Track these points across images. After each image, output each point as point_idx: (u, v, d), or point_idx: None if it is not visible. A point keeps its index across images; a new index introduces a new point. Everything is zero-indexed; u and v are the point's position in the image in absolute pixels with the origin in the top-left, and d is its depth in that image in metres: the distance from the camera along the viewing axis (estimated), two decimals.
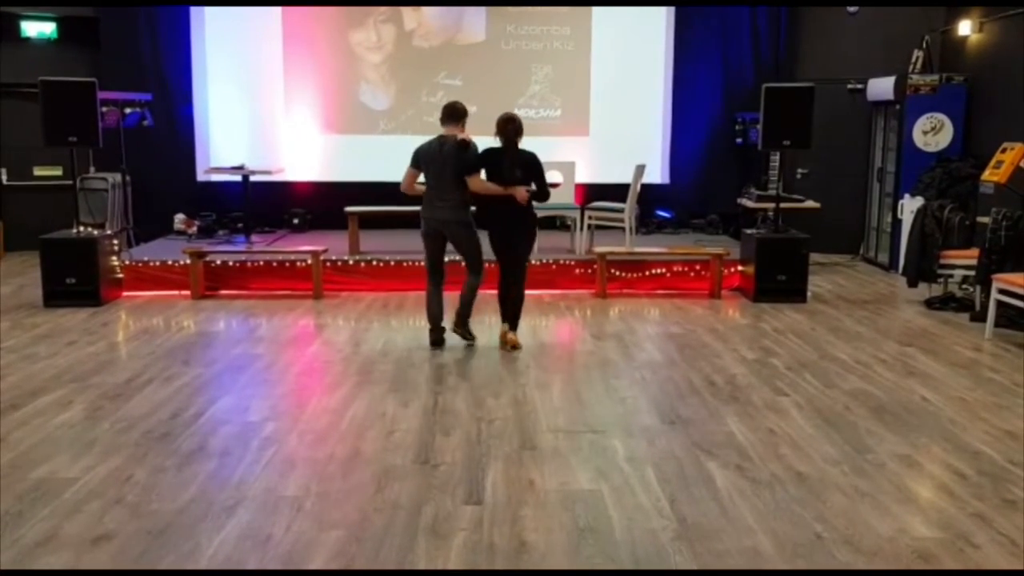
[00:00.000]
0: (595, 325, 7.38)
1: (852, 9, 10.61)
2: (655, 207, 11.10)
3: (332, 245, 8.93)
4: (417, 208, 9.71)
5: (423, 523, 3.69)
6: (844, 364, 6.19)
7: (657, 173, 11.01)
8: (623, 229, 9.16)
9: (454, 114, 6.45)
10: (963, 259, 7.87)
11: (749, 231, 8.87)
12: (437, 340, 6.59)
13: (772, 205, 9.01)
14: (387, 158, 10.84)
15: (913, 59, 10.01)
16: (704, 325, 7.37)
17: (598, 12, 10.95)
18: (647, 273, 8.73)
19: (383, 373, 5.90)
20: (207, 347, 6.66)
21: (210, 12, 10.81)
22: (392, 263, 8.75)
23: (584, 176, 10.18)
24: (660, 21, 11.02)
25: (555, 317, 7.60)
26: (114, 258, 8.34)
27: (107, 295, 8.07)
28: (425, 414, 5.08)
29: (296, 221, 10.78)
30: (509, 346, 6.45)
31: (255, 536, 3.57)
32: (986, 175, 7.99)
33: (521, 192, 6.22)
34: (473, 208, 6.49)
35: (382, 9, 10.90)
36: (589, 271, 8.69)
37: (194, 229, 10.36)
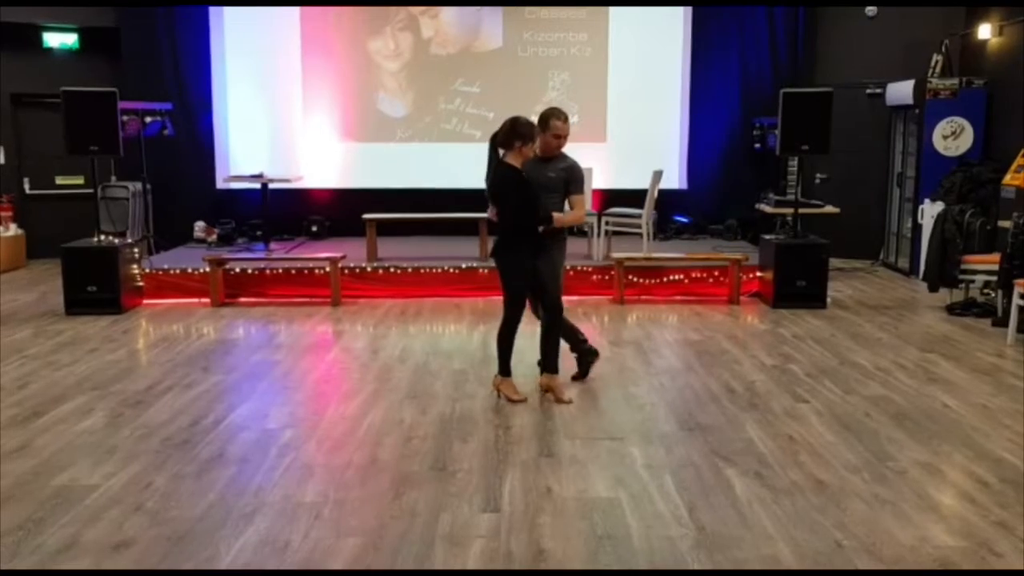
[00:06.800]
0: (613, 331, 7.36)
1: (871, 12, 10.55)
2: (673, 213, 11.07)
3: (350, 252, 8.96)
4: (435, 215, 9.88)
5: (440, 530, 3.69)
6: (864, 370, 6.14)
7: (675, 178, 10.98)
8: (641, 235, 9.14)
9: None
10: (984, 264, 7.79)
11: (768, 236, 8.83)
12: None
13: (791, 210, 8.97)
14: (405, 166, 10.98)
15: (932, 63, 9.93)
16: (723, 331, 7.33)
17: (615, 18, 10.95)
18: (665, 279, 8.70)
19: (401, 380, 5.91)
20: (226, 354, 6.70)
21: (229, 23, 10.90)
22: (410, 270, 8.77)
23: (601, 182, 10.16)
24: (677, 26, 11.01)
25: (573, 323, 7.56)
26: (135, 266, 8.41)
27: (128, 303, 8.14)
28: (442, 421, 5.08)
29: (314, 228, 10.82)
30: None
31: (273, 543, 3.58)
32: (1007, 179, 7.92)
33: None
34: None
35: (400, 17, 10.95)
36: (607, 277, 8.67)
37: (214, 237, 10.43)
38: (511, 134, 5.23)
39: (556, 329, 5.54)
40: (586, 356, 5.90)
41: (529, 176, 5.30)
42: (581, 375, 5.87)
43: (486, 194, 5.44)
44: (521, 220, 5.29)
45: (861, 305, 8.38)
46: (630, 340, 7.03)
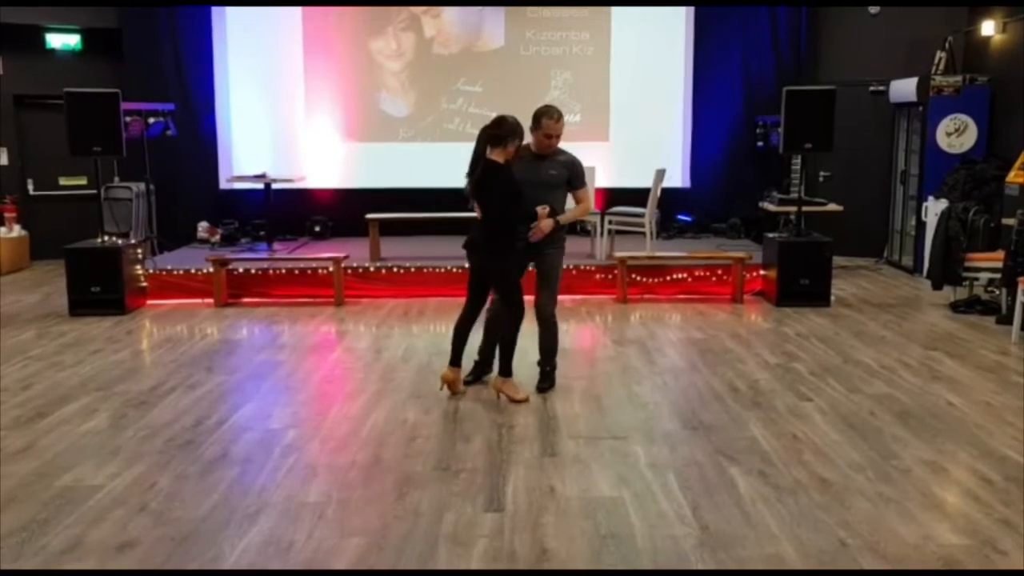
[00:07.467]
0: (616, 331, 7.36)
1: (873, 10, 10.54)
2: (676, 211, 11.06)
3: (353, 252, 8.97)
4: (437, 215, 9.86)
5: (444, 530, 3.69)
6: (868, 368, 6.13)
7: (678, 177, 10.97)
8: (644, 234, 9.14)
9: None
10: (988, 262, 7.78)
11: (771, 235, 8.81)
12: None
13: (794, 208, 8.95)
14: (407, 165, 10.98)
15: (936, 60, 9.91)
16: (726, 330, 7.32)
17: (617, 17, 10.95)
18: (668, 278, 8.68)
19: (404, 380, 5.91)
20: (230, 354, 6.71)
21: (231, 23, 10.91)
22: (413, 269, 8.77)
23: (604, 181, 10.16)
24: (680, 25, 11.00)
25: (576, 323, 7.58)
26: (138, 267, 8.42)
27: (131, 303, 8.14)
28: (446, 421, 5.08)
29: (317, 228, 10.84)
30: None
31: (277, 543, 3.58)
32: (1011, 176, 7.90)
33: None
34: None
35: (402, 17, 10.96)
36: (610, 276, 8.66)
37: (217, 237, 10.45)
38: (498, 132, 5.18)
39: (511, 330, 5.38)
40: (479, 368, 5.74)
41: (525, 175, 5.26)
42: (473, 377, 5.70)
43: (466, 191, 5.40)
44: (504, 216, 5.25)
45: (865, 303, 8.37)
46: (633, 339, 7.02)
